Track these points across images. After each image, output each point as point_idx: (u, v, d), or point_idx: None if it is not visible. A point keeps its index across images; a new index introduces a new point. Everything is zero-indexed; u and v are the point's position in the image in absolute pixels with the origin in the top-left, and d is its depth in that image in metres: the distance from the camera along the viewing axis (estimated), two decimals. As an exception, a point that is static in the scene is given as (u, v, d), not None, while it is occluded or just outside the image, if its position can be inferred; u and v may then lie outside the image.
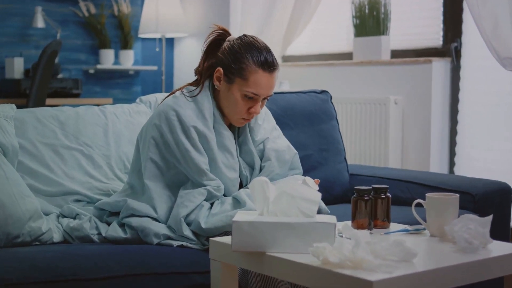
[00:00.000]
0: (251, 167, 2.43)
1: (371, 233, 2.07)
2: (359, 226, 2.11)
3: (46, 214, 2.43)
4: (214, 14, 5.68)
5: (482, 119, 4.25)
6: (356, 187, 2.14)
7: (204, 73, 2.39)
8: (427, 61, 4.35)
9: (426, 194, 2.11)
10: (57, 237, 2.33)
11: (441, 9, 4.45)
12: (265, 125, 2.49)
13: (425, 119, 4.37)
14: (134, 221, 2.27)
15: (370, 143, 4.54)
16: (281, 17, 5.07)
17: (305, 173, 3.02)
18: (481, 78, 4.26)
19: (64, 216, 2.46)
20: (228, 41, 2.36)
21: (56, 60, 5.40)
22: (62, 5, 5.76)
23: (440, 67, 4.36)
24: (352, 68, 4.75)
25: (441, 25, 4.46)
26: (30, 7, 5.57)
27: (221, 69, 2.34)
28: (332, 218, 1.90)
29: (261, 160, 2.44)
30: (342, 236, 1.95)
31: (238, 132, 2.44)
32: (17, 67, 5.30)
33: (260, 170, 2.43)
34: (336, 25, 5.12)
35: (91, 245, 2.26)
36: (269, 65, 2.29)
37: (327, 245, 1.72)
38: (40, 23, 5.50)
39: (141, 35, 5.86)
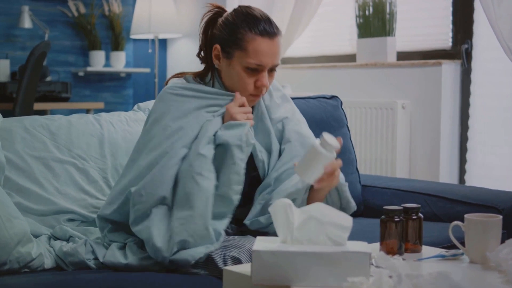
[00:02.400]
0: (268, 151, 2.24)
1: (403, 259, 1.86)
2: (388, 250, 1.92)
3: (36, 236, 2.21)
4: None
5: (494, 125, 4.12)
6: (385, 207, 1.95)
7: (209, 56, 2.22)
8: (436, 63, 4.21)
9: (465, 216, 1.90)
10: (48, 262, 2.11)
11: (451, 8, 4.30)
12: (284, 104, 2.33)
13: (434, 124, 4.24)
14: (145, 232, 2.02)
15: (376, 150, 4.41)
16: (281, 16, 4.93)
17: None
18: (493, 82, 4.12)
19: (56, 238, 2.24)
20: (223, 16, 2.20)
21: (44, 62, 5.24)
22: (50, 4, 5.62)
23: (449, 70, 4.22)
24: (356, 70, 4.62)
25: (451, 26, 4.32)
26: (16, 6, 5.42)
27: (218, 46, 2.18)
28: (364, 246, 1.67)
29: (280, 144, 2.25)
30: (373, 264, 1.74)
31: (252, 111, 2.25)
32: (2, 69, 5.16)
33: (280, 155, 2.23)
34: (338, 25, 4.99)
35: (87, 273, 2.03)
36: (268, 30, 2.12)
37: (364, 280, 1.50)
38: (27, 23, 5.36)
39: (133, 36, 5.75)
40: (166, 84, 2.28)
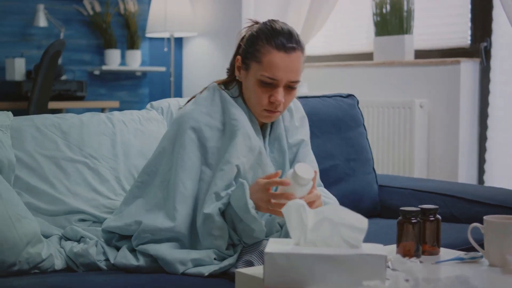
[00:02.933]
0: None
1: (421, 262, 1.81)
2: (405, 252, 1.88)
3: (47, 237, 2.17)
4: (225, 12, 5.54)
5: (514, 124, 4.07)
6: (402, 209, 1.90)
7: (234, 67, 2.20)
8: (454, 62, 4.18)
9: (484, 217, 1.85)
10: (59, 263, 2.07)
11: (469, 6, 4.27)
12: (303, 126, 2.30)
13: (453, 123, 4.20)
14: (152, 249, 2.01)
15: (394, 150, 4.37)
16: (297, 15, 4.91)
17: (331, 186, 2.81)
18: (512, 80, 4.08)
19: (67, 239, 2.19)
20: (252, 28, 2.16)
21: (59, 61, 5.23)
22: (66, 3, 5.59)
23: (468, 68, 4.19)
24: (373, 69, 4.60)
25: (469, 23, 4.28)
26: (31, 5, 5.37)
27: (239, 57, 2.14)
28: (380, 248, 1.62)
29: (291, 167, 2.20)
30: (389, 267, 1.69)
31: (270, 129, 2.21)
32: (18, 68, 5.11)
33: None
34: (355, 23, 4.96)
35: (98, 274, 1.99)
36: (285, 44, 2.05)
37: (380, 284, 1.46)
38: (42, 22, 5.31)
39: (148, 35, 5.70)
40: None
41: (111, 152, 2.43)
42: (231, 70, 2.22)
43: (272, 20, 2.13)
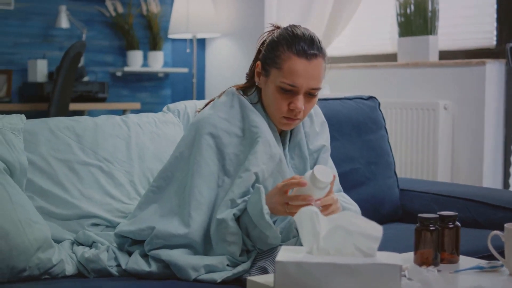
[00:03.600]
0: None
1: (439, 271, 1.75)
2: (423, 260, 1.82)
3: (59, 241, 2.14)
4: (248, 12, 5.51)
5: (541, 126, 4.01)
6: (420, 215, 1.84)
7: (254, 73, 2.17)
8: (479, 63, 4.11)
9: (505, 225, 1.79)
10: (70, 269, 2.04)
11: (495, 5, 4.20)
12: (323, 131, 2.26)
13: (478, 126, 4.14)
14: (164, 254, 1.97)
15: (417, 152, 4.32)
16: (320, 15, 4.87)
17: (351, 190, 2.77)
18: (539, 82, 4.02)
19: (79, 244, 2.16)
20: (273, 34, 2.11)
21: (81, 62, 5.24)
22: (88, 4, 5.60)
23: (494, 69, 4.12)
24: (397, 70, 4.54)
25: (495, 24, 4.21)
26: (53, 6, 5.39)
27: (259, 63, 2.10)
28: (394, 257, 1.57)
29: None
30: (405, 276, 1.64)
31: (290, 135, 2.17)
32: (40, 69, 5.13)
33: None
34: (379, 23, 4.90)
35: (109, 280, 1.96)
36: (306, 50, 2.00)
37: (393, 295, 1.40)
38: (64, 23, 5.32)
39: (171, 36, 5.69)
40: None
41: (125, 156, 2.39)
42: (250, 76, 2.18)
43: (293, 25, 2.09)
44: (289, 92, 2.03)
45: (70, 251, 2.11)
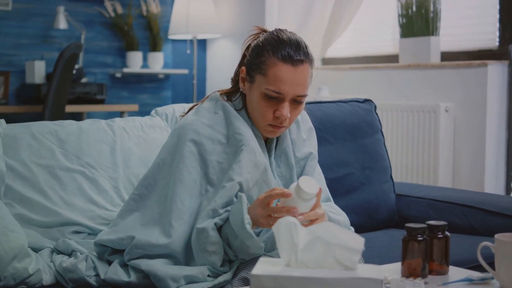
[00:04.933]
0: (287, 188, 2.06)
1: (426, 283, 1.69)
2: (410, 272, 1.75)
3: (39, 249, 2.09)
4: (249, 13, 5.48)
5: (544, 129, 3.98)
6: (407, 225, 1.78)
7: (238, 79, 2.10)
8: (481, 64, 4.07)
9: (496, 236, 1.71)
10: (47, 279, 1.98)
11: (497, 6, 4.17)
12: (310, 138, 2.18)
13: (480, 129, 4.10)
14: (144, 264, 1.91)
15: (417, 156, 4.27)
16: (321, 16, 4.84)
17: (345, 195, 2.72)
18: (543, 84, 3.99)
19: (59, 252, 2.11)
20: (258, 38, 2.04)
21: (80, 64, 5.19)
22: (87, 4, 5.56)
23: (496, 71, 4.08)
24: (398, 72, 4.51)
25: (497, 24, 4.18)
26: (52, 7, 5.35)
27: (244, 68, 2.03)
28: (377, 271, 1.50)
29: None
30: (389, 289, 1.58)
31: (276, 143, 2.10)
32: (37, 71, 5.08)
33: None
34: (380, 24, 4.89)
35: (86, 291, 1.91)
36: (292, 56, 1.93)
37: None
38: (62, 24, 5.28)
39: (171, 37, 5.67)
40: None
41: (110, 161, 2.35)
42: (235, 81, 2.11)
43: (279, 29, 2.02)
44: (275, 99, 1.96)
45: (49, 260, 2.05)
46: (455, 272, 1.81)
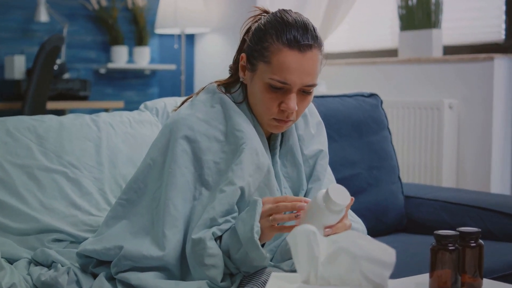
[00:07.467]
0: (295, 191, 1.87)
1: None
2: (440, 285, 1.59)
3: (14, 260, 1.91)
4: (239, 7, 5.35)
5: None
6: (436, 232, 1.60)
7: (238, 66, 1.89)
8: (487, 58, 3.99)
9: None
10: (24, 293, 1.78)
11: None
12: (320, 134, 1.97)
13: (485, 126, 4.02)
14: (134, 277, 1.70)
15: (420, 155, 4.19)
16: (316, 8, 4.76)
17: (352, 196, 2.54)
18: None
19: (37, 263, 1.91)
20: (259, 20, 1.83)
21: (63, 58, 5.03)
22: (69, -4, 5.42)
23: (502, 65, 4.00)
24: (398, 66, 4.42)
25: (503, 16, 4.12)
26: (32, -1, 5.18)
27: (244, 56, 1.82)
28: (408, 285, 1.29)
29: (307, 182, 1.89)
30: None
31: (281, 140, 1.90)
32: (17, 66, 4.89)
33: (306, 194, 1.87)
34: (378, 17, 4.82)
35: (68, 308, 1.71)
36: (299, 40, 1.71)
37: None
38: (43, 16, 5.07)
39: (157, 31, 5.52)
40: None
41: (95, 160, 2.19)
42: (234, 70, 1.89)
43: (283, 10, 1.79)
44: (280, 90, 1.74)
45: (25, 273, 1.87)
46: (490, 286, 1.63)
